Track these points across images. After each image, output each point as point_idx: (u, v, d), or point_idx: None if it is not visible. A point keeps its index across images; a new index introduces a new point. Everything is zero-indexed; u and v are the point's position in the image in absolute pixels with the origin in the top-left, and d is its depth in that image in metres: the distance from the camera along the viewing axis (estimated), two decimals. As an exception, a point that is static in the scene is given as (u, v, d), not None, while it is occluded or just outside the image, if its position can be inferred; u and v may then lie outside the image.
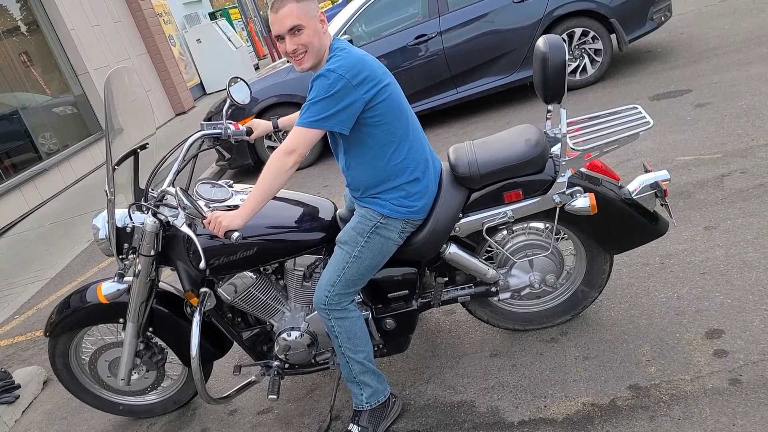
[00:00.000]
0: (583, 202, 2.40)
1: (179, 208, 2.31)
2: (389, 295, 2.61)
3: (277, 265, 2.65)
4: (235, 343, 2.83)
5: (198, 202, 2.34)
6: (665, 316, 2.68)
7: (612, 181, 2.57)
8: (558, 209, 2.48)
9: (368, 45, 6.44)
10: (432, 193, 2.45)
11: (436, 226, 2.45)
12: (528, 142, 2.44)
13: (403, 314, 2.64)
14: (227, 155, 6.75)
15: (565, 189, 2.45)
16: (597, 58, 6.41)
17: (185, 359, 2.88)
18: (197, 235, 2.27)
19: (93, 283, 2.83)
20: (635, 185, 2.55)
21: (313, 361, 2.76)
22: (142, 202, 2.49)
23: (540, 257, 2.60)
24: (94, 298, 2.75)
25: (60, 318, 2.80)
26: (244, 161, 6.75)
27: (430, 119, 6.58)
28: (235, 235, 2.21)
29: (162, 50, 13.76)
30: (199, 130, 2.78)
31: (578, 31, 6.30)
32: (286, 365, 2.74)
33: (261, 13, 24.40)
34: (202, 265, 2.25)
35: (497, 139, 2.55)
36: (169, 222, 2.52)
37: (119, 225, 2.54)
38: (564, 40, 6.31)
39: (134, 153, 2.69)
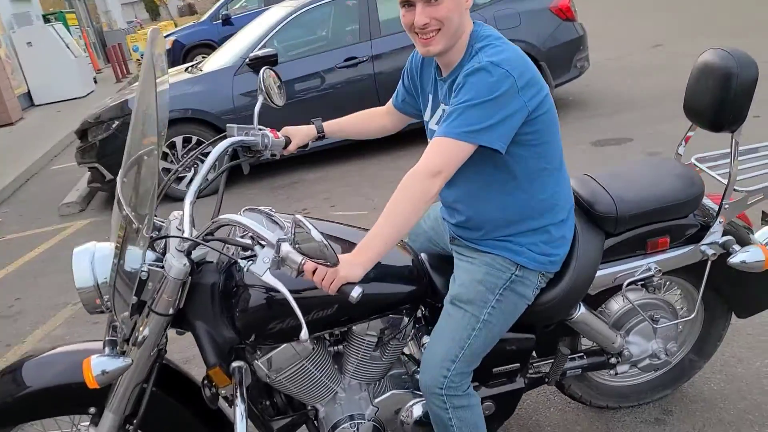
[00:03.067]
0: (753, 255, 1.95)
1: (268, 247, 1.49)
2: (494, 370, 1.97)
3: (345, 329, 1.90)
4: None
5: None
6: (781, 390, 2.31)
7: (748, 227, 2.17)
8: (709, 264, 2.02)
9: (290, 63, 5.72)
10: (571, 238, 1.88)
11: (577, 280, 1.87)
12: (683, 179, 1.98)
13: (507, 394, 2.01)
14: (109, 175, 5.59)
15: (719, 239, 2.00)
16: (523, 100, 6.24)
17: (181, 464, 1.98)
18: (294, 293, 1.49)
19: (46, 355, 1.87)
20: (765, 236, 2.17)
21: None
22: (185, 235, 1.63)
23: (666, 322, 2.11)
24: (60, 377, 1.79)
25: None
26: (130, 184, 5.64)
27: (353, 149, 5.99)
28: (357, 292, 1.48)
29: (-14, 50, 11.73)
30: (228, 135, 1.99)
31: (508, 70, 6.08)
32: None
33: (94, 24, 22.27)
34: (305, 335, 1.47)
35: (638, 174, 2.05)
36: (198, 265, 1.72)
37: (127, 268, 1.65)
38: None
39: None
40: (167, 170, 5.62)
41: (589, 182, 2.01)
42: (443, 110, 1.79)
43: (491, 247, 1.81)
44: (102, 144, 5.60)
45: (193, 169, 5.67)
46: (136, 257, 1.64)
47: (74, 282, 1.71)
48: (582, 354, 2.13)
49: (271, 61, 5.50)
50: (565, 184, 1.83)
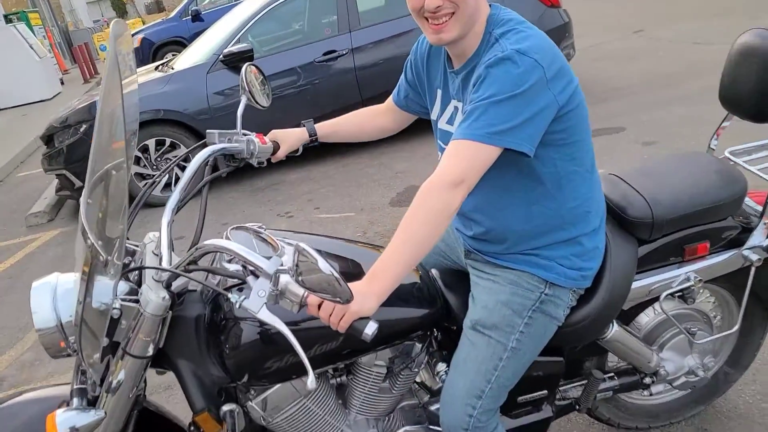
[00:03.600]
0: (806, 260, 1.76)
1: (264, 277, 1.25)
2: (519, 399, 1.75)
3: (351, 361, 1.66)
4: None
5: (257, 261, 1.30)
6: (822, 400, 2.13)
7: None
8: (753, 270, 1.81)
9: (266, 59, 5.44)
10: (604, 248, 1.66)
11: (611, 295, 1.65)
12: (723, 176, 1.77)
13: (534, 425, 1.79)
14: (78, 182, 5.27)
15: (763, 242, 1.80)
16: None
17: None
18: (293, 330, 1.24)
19: (7, 405, 1.60)
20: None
21: None
22: (163, 265, 1.38)
23: (704, 335, 1.90)
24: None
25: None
26: (100, 191, 5.33)
27: (334, 146, 5.72)
28: (372, 328, 1.26)
29: (-56, 52, 11.25)
30: (208, 142, 1.75)
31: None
32: None
33: (59, 23, 21.66)
34: (312, 384, 1.23)
35: (671, 172, 1.83)
36: (179, 295, 1.48)
37: (95, 305, 1.40)
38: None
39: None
40: (140, 176, 5.32)
41: (617, 183, 1.80)
42: (455, 107, 1.57)
43: (515, 262, 1.59)
44: (69, 149, 5.27)
45: (167, 172, 5.43)
46: (106, 291, 1.39)
47: (33, 322, 1.46)
48: (612, 374, 1.92)
49: (246, 57, 5.23)
50: (597, 187, 1.61)
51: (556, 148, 1.46)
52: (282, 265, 1.24)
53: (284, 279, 1.23)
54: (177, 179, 5.35)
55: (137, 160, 5.25)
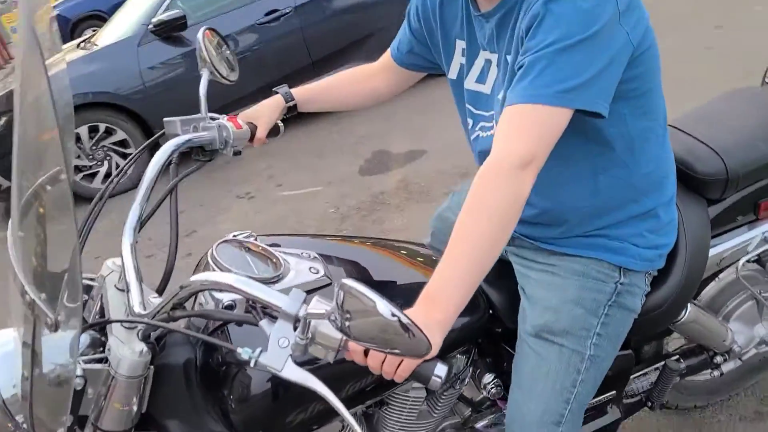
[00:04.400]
0: None
1: (285, 320, 0.90)
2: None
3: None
4: None
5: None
6: None
7: None
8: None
9: (200, 25, 4.91)
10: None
11: (689, 271, 1.37)
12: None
13: (602, 431, 1.52)
14: (5, 182, 4.71)
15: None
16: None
17: None
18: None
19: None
20: None
21: None
22: (138, 315, 1.01)
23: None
24: None
25: None
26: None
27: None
28: (442, 371, 0.94)
29: None
30: (168, 133, 1.37)
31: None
32: None
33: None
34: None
35: (736, 115, 1.54)
36: (159, 339, 1.13)
37: (46, 369, 1.04)
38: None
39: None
40: (76, 168, 4.78)
41: (675, 134, 1.49)
42: (487, 60, 1.22)
43: (578, 247, 1.27)
44: (-11, 147, 4.69)
45: (106, 162, 4.89)
46: (60, 350, 1.02)
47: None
48: (677, 357, 1.65)
49: (179, 24, 4.71)
50: (669, 146, 1.30)
51: (626, 101, 1.14)
52: (305, 301, 0.90)
53: (314, 323, 0.88)
54: (117, 167, 4.87)
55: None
